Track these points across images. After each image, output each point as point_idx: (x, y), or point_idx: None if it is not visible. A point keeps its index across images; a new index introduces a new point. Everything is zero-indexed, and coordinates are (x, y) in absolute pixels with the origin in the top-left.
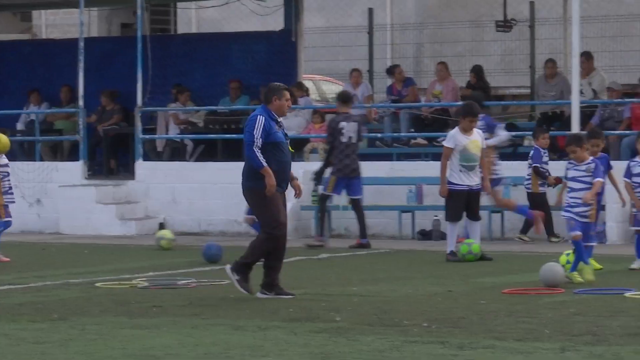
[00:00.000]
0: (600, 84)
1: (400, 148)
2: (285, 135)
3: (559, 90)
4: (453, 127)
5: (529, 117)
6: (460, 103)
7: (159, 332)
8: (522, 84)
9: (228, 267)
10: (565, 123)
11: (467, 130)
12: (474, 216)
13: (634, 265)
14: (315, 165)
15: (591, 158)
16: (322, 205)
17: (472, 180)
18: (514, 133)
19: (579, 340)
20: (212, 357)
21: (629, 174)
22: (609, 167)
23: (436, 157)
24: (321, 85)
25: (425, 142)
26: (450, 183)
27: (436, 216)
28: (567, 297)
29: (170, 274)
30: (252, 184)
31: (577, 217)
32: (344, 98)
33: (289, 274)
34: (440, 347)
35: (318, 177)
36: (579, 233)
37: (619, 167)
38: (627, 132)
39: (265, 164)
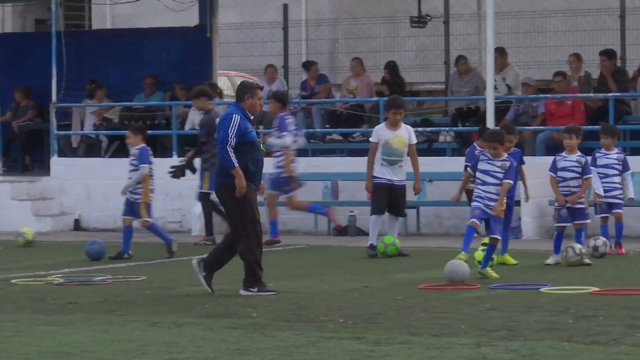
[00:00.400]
0: (514, 79)
1: (315, 144)
2: (258, 134)
3: (473, 85)
4: (368, 123)
5: (443, 113)
6: (375, 99)
7: (74, 328)
8: (437, 79)
9: (242, 291)
10: (480, 119)
11: (393, 125)
12: (398, 212)
13: (549, 261)
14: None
15: (506, 155)
16: (204, 204)
17: (395, 175)
18: (428, 129)
19: (494, 335)
20: (128, 353)
21: (554, 168)
22: (521, 162)
23: (351, 153)
24: (236, 81)
25: (340, 137)
26: (373, 177)
27: (352, 212)
28: (483, 293)
29: (86, 271)
30: (227, 181)
31: (484, 208)
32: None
33: None
34: (356, 342)
35: (179, 171)
36: (475, 221)
37: (534, 162)
38: (542, 127)
39: (237, 164)
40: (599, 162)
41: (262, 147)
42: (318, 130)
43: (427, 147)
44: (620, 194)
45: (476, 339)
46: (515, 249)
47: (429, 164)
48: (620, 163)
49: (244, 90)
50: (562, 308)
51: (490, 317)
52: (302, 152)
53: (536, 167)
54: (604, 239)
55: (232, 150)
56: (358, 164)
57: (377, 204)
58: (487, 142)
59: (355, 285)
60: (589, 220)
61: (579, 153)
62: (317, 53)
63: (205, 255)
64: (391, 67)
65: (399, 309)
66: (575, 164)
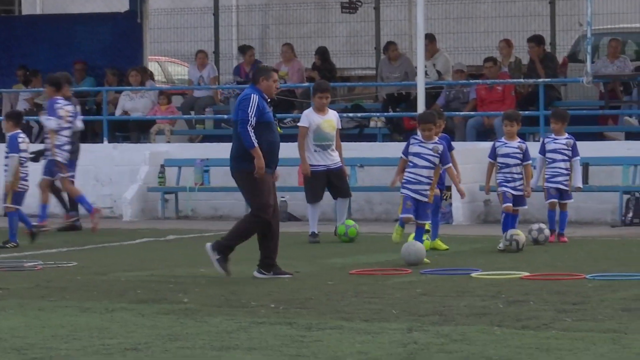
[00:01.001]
0: (445, 65)
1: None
2: (274, 115)
3: (402, 71)
4: (298, 109)
5: (374, 99)
6: (305, 84)
7: (5, 314)
8: (368, 65)
9: (208, 245)
10: (411, 104)
11: (320, 109)
12: (343, 193)
13: (501, 245)
14: (163, 147)
15: (438, 139)
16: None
17: (330, 159)
18: (359, 114)
19: (426, 320)
20: (59, 339)
21: (493, 154)
22: (450, 148)
23: (283, 138)
24: (167, 67)
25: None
26: (310, 164)
27: (283, 197)
28: (414, 278)
29: (17, 257)
30: (243, 165)
31: (414, 195)
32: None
33: (136, 255)
34: (287, 328)
35: (37, 156)
36: (410, 216)
37: (465, 148)
38: (472, 113)
39: (256, 144)
40: (548, 147)
41: (279, 129)
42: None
43: (358, 132)
44: (566, 180)
45: (407, 324)
46: (446, 234)
47: (359, 149)
48: (570, 149)
49: (260, 73)
50: (493, 293)
51: (421, 302)
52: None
53: (467, 152)
54: (539, 224)
55: (252, 130)
56: (289, 149)
57: (312, 193)
58: (421, 124)
59: (287, 271)
60: (525, 207)
61: (519, 139)
62: (247, 39)
63: (261, 261)
64: (322, 52)
65: (330, 294)
66: (517, 150)
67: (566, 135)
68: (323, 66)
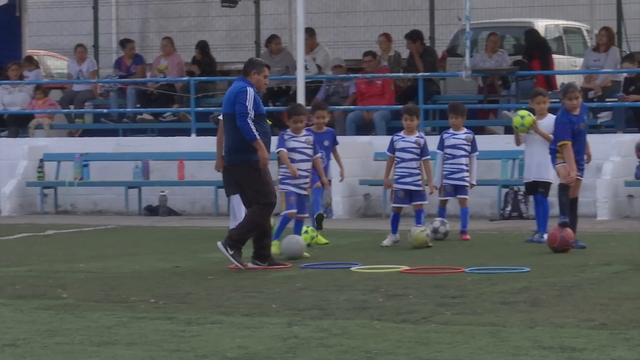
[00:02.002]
0: (325, 59)
1: (126, 124)
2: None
3: (283, 65)
4: (178, 103)
5: None
6: (185, 79)
7: None
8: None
9: (219, 243)
10: (291, 98)
11: None
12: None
13: (386, 242)
14: (41, 141)
15: (305, 131)
16: None
17: None
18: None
19: (306, 314)
20: None
21: (392, 149)
22: (335, 142)
23: (162, 132)
24: (46, 61)
25: (151, 117)
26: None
27: (163, 192)
28: (294, 272)
29: None
30: (244, 157)
31: (295, 189)
32: None
33: (15, 250)
34: (167, 322)
35: None
36: (293, 211)
37: (345, 142)
38: (352, 107)
39: (258, 136)
40: (447, 142)
41: (268, 120)
42: (128, 110)
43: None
44: (467, 176)
45: (287, 318)
46: (326, 228)
47: None
48: (469, 144)
49: (251, 66)
50: (372, 287)
51: (301, 296)
52: (113, 132)
53: (347, 146)
54: (440, 218)
55: (252, 123)
56: (168, 143)
57: (231, 186)
58: (291, 118)
59: (166, 266)
60: (426, 202)
61: (418, 134)
62: (127, 32)
63: (255, 252)
64: (202, 46)
65: (209, 288)
66: (414, 145)
67: (465, 130)
68: (203, 60)
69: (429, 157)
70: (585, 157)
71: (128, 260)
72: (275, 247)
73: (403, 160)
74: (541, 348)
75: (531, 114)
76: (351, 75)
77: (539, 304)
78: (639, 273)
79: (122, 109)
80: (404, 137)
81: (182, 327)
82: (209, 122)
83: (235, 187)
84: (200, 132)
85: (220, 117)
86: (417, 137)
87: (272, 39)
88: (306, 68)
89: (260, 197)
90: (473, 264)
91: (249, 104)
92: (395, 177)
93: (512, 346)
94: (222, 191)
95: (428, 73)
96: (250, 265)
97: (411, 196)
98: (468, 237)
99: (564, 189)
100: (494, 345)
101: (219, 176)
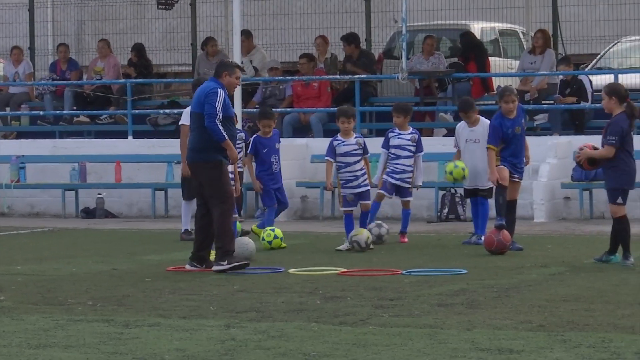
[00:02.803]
0: (261, 61)
1: (63, 126)
2: None
3: None
4: (115, 105)
5: (191, 95)
6: (122, 81)
7: None
8: (184, 61)
9: (214, 267)
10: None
11: None
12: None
13: (342, 247)
14: None
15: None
16: None
17: None
18: (176, 111)
19: (243, 316)
20: None
21: (333, 154)
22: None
23: (99, 135)
24: None
25: (88, 120)
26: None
27: (100, 194)
28: (232, 274)
29: None
30: (207, 156)
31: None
32: None
33: None
34: (105, 325)
35: None
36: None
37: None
38: (289, 109)
39: (226, 137)
40: (392, 142)
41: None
42: (65, 112)
43: (175, 129)
44: (409, 177)
45: (225, 321)
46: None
47: (176, 145)
48: (414, 144)
49: (223, 68)
50: (310, 289)
51: (239, 299)
52: (49, 135)
53: (284, 148)
54: (376, 222)
55: (220, 124)
56: (105, 146)
57: (187, 190)
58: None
59: (104, 268)
60: (369, 202)
61: (356, 134)
62: (63, 34)
63: (193, 253)
64: (138, 49)
65: (147, 291)
66: (355, 146)
67: (410, 129)
68: (139, 62)
69: (367, 155)
70: (524, 159)
71: (65, 262)
72: None
73: (348, 164)
74: (479, 350)
75: (465, 169)
76: (288, 77)
77: (476, 306)
78: (576, 275)
79: (58, 112)
80: (344, 141)
81: (119, 329)
82: (146, 124)
83: (197, 186)
84: (137, 135)
85: (184, 122)
86: (356, 137)
87: (209, 41)
88: (243, 70)
89: (220, 198)
90: (410, 265)
91: (219, 105)
92: (342, 181)
93: (450, 348)
94: (159, 193)
95: (365, 75)
96: (187, 267)
97: (359, 196)
98: (406, 239)
99: (501, 191)
100: (431, 347)
101: (156, 178)
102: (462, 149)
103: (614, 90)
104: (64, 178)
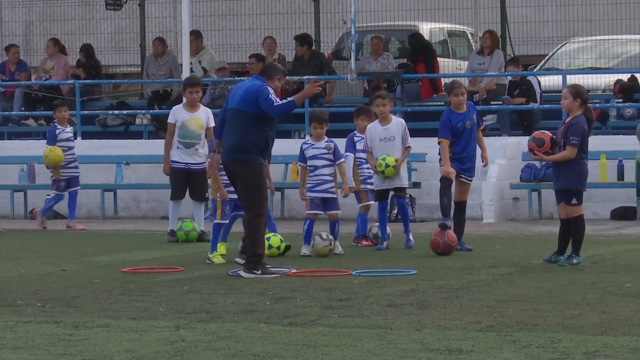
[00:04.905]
0: (210, 62)
1: (11, 127)
2: None
3: (168, 68)
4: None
5: (140, 96)
6: (71, 82)
7: None
8: (133, 62)
9: (242, 273)
10: (176, 102)
11: (191, 106)
12: (198, 197)
13: (305, 251)
14: None
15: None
16: None
17: (192, 158)
18: (125, 112)
19: (193, 317)
20: None
21: (303, 158)
22: None
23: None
24: None
25: (35, 123)
26: (171, 161)
27: (49, 195)
28: (182, 276)
29: None
30: (247, 156)
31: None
32: None
33: None
34: (54, 326)
35: None
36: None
37: None
38: None
39: (292, 98)
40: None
41: None
42: (14, 113)
43: (124, 129)
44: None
45: (175, 322)
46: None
47: (126, 146)
48: (331, 152)
49: (276, 72)
50: (259, 290)
51: (188, 300)
52: None
53: None
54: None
55: (277, 100)
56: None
57: (174, 190)
58: None
59: (53, 269)
60: (338, 212)
61: (327, 138)
62: (12, 35)
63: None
64: (86, 49)
65: (96, 292)
66: (325, 150)
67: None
68: (88, 63)
69: (342, 160)
70: (475, 158)
71: (14, 263)
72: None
73: (315, 167)
74: (428, 350)
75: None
76: (237, 78)
77: (426, 307)
78: (525, 275)
79: (7, 112)
80: (313, 145)
81: (69, 330)
82: (95, 125)
83: (233, 185)
84: (86, 136)
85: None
86: (326, 142)
87: (156, 41)
88: (192, 71)
89: (252, 200)
90: (360, 266)
91: (272, 96)
92: (309, 185)
93: (400, 348)
94: (108, 194)
95: (314, 76)
96: (243, 273)
97: (325, 204)
98: (367, 242)
99: (446, 191)
100: (381, 347)
101: (104, 179)
102: (376, 148)
103: (579, 93)
104: (13, 179)
